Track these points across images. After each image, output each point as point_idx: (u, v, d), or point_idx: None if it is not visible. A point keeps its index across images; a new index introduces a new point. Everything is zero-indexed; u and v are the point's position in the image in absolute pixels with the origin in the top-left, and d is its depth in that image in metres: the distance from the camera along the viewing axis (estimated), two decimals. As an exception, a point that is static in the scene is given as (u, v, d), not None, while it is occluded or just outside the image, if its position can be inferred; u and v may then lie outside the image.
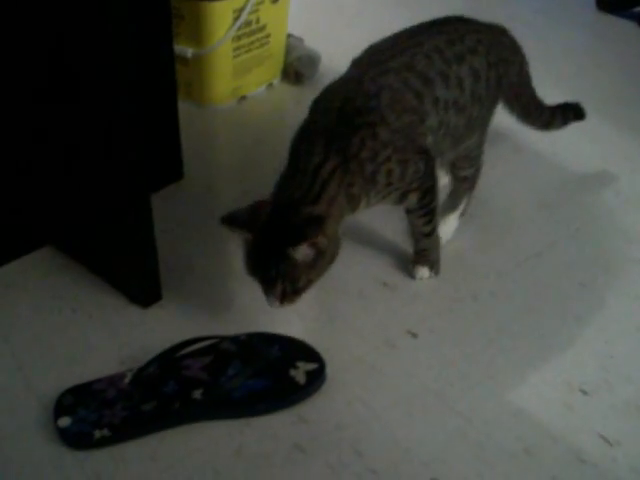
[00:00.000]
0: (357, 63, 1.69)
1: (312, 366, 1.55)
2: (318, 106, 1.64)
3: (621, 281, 1.87)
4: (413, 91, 1.60)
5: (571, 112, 2.13)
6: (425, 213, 1.70)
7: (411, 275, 1.81)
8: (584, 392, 1.56)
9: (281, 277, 1.49)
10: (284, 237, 1.46)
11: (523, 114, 1.99)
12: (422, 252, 1.80)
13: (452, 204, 1.96)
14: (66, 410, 1.45)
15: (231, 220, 1.51)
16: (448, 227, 1.95)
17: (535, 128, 2.08)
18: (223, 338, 1.56)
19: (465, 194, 1.95)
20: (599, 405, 1.54)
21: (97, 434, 1.41)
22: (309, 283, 1.53)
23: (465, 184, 1.93)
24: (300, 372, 1.53)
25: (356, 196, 1.56)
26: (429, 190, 1.67)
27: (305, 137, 1.59)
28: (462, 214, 1.96)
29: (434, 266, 1.81)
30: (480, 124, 1.81)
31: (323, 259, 1.51)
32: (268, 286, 1.52)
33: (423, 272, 1.81)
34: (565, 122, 2.12)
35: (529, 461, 1.42)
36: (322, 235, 1.47)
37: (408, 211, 1.72)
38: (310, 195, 1.50)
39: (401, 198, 1.65)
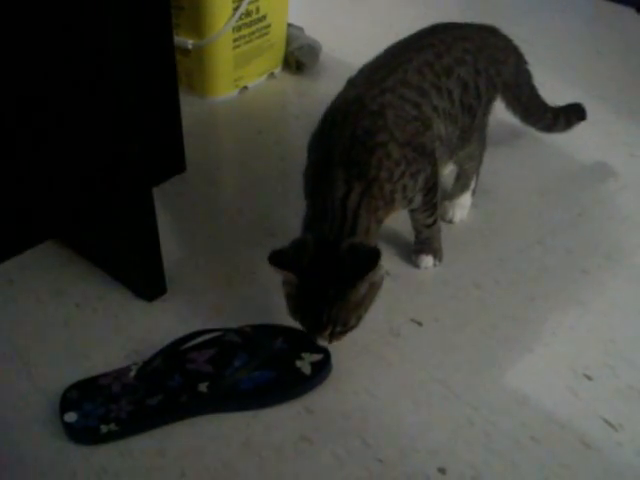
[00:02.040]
0: (353, 83, 1.66)
1: (317, 357, 1.55)
2: (323, 136, 1.59)
3: (623, 267, 1.86)
4: (411, 102, 1.59)
5: (574, 114, 2.12)
6: (427, 208, 1.70)
7: (416, 265, 1.81)
8: (588, 377, 1.56)
9: (332, 321, 1.44)
10: (336, 279, 1.41)
11: (525, 114, 1.99)
12: (425, 241, 1.80)
13: (463, 184, 1.97)
14: (72, 405, 1.44)
15: (281, 262, 1.43)
16: (462, 207, 1.97)
17: (538, 129, 2.09)
18: (227, 330, 1.55)
19: (473, 173, 1.95)
20: (603, 390, 1.54)
21: (104, 429, 1.40)
22: (359, 320, 1.48)
23: (472, 163, 1.93)
24: (306, 363, 1.53)
25: (380, 215, 1.54)
26: (432, 188, 1.66)
27: (321, 173, 1.53)
28: (473, 193, 1.98)
29: (437, 254, 1.81)
30: (477, 130, 1.81)
31: (374, 292, 1.48)
32: (317, 327, 1.46)
33: (427, 261, 1.80)
34: (569, 124, 2.12)
35: (535, 448, 1.42)
36: (376, 270, 1.43)
37: (412, 209, 1.71)
38: (344, 232, 1.46)
39: (409, 203, 1.64)
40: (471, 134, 1.78)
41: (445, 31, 1.75)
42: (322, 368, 1.53)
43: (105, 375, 1.49)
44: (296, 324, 1.50)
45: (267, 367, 1.51)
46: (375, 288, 1.48)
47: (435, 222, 1.76)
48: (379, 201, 1.51)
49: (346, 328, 1.47)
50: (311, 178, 1.57)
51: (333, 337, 1.48)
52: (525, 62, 1.90)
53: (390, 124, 1.54)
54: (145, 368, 1.48)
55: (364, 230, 1.48)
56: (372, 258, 1.41)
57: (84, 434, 1.41)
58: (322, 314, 1.43)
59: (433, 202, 1.70)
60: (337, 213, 1.47)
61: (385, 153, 1.51)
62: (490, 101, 1.82)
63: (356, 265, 1.40)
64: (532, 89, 1.97)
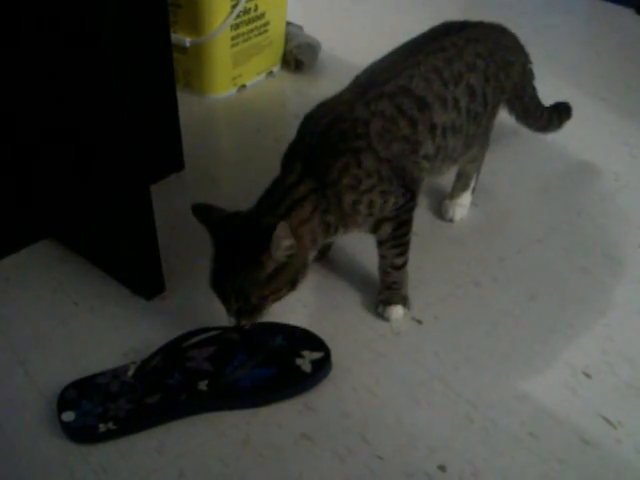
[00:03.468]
0: (356, 82, 1.63)
1: (318, 355, 1.55)
2: (306, 124, 1.58)
3: (622, 265, 1.87)
4: (407, 118, 1.55)
5: (564, 113, 2.13)
6: (398, 244, 1.64)
7: (384, 317, 1.70)
8: (587, 375, 1.57)
9: (234, 295, 1.43)
10: (243, 248, 1.41)
11: (523, 114, 1.98)
12: (392, 286, 1.70)
13: (463, 184, 1.97)
14: (70, 404, 1.44)
15: (202, 212, 1.46)
16: (462, 205, 1.98)
17: (534, 129, 2.09)
18: (227, 328, 1.55)
19: (474, 173, 1.96)
20: (601, 387, 1.55)
21: (102, 427, 1.40)
22: (262, 301, 1.44)
23: (473, 165, 1.93)
24: (306, 361, 1.53)
25: (332, 225, 1.50)
26: (405, 223, 1.62)
27: (289, 155, 1.54)
28: (473, 191, 1.99)
29: (406, 302, 1.71)
30: (481, 135, 1.79)
31: (282, 276, 1.43)
32: (225, 302, 1.46)
33: (397, 311, 1.69)
34: (561, 124, 2.13)
35: (534, 444, 1.43)
36: (286, 241, 1.39)
37: (380, 243, 1.65)
38: (280, 210, 1.44)
39: (375, 226, 1.59)
40: (475, 139, 1.76)
41: (459, 32, 1.71)
42: (322, 366, 1.54)
43: (103, 374, 1.50)
44: (296, 322, 1.51)
45: (267, 365, 1.51)
46: (286, 275, 1.43)
47: (404, 265, 1.68)
48: (333, 206, 1.48)
49: (248, 306, 1.44)
50: (285, 153, 1.56)
51: (241, 315, 1.46)
52: (530, 62, 1.90)
53: (373, 134, 1.50)
54: (144, 367, 1.49)
55: (300, 219, 1.45)
56: (266, 236, 1.37)
57: (82, 433, 1.41)
58: (225, 286, 1.43)
59: (404, 240, 1.64)
60: (278, 195, 1.46)
61: (355, 160, 1.48)
62: (497, 105, 1.81)
63: (254, 242, 1.39)
64: (533, 89, 1.97)
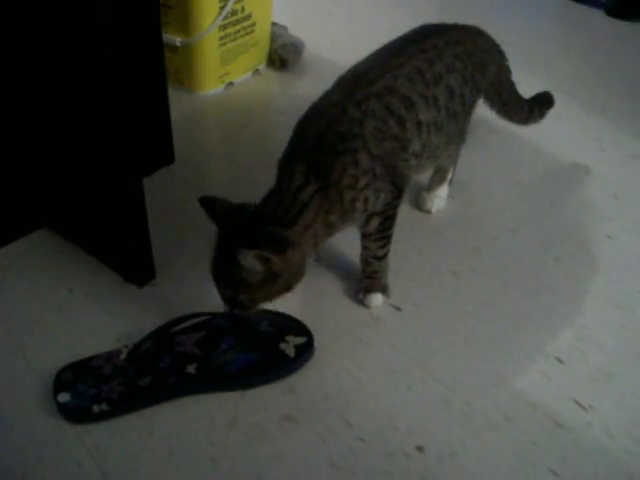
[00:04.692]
0: (341, 83, 1.59)
1: (301, 340, 1.55)
2: (301, 128, 1.55)
3: (593, 256, 1.87)
4: (396, 117, 1.54)
5: (545, 103, 2.12)
6: (382, 237, 1.64)
7: (365, 304, 1.69)
8: (559, 360, 1.57)
9: (226, 285, 1.43)
10: (239, 241, 1.37)
11: (504, 109, 1.98)
12: (373, 275, 1.70)
13: (440, 176, 1.97)
14: (65, 386, 1.44)
15: (209, 205, 1.45)
16: (439, 197, 1.98)
17: (515, 123, 2.07)
18: (215, 314, 1.55)
19: (450, 166, 1.96)
20: (574, 372, 1.55)
21: (96, 408, 1.40)
22: (253, 302, 1.44)
23: (449, 159, 1.93)
24: (290, 346, 1.53)
25: (333, 224, 1.50)
26: (390, 217, 1.61)
27: (288, 158, 1.51)
28: (450, 183, 1.99)
29: (385, 290, 1.71)
30: (459, 132, 1.78)
31: (273, 283, 1.41)
32: (220, 292, 1.45)
33: (377, 298, 1.69)
34: (542, 115, 2.11)
35: (509, 427, 1.43)
36: (281, 257, 1.38)
37: (364, 235, 1.64)
38: (288, 216, 1.43)
39: (366, 221, 1.58)
40: (454, 137, 1.75)
41: (437, 34, 1.69)
42: (305, 350, 1.54)
43: (97, 357, 1.49)
44: (281, 309, 1.50)
45: (252, 350, 1.51)
46: (281, 281, 1.42)
47: (386, 256, 1.68)
48: (335, 205, 1.47)
49: (235, 303, 1.43)
50: (283, 157, 1.53)
51: (233, 305, 1.45)
52: (506, 59, 1.89)
53: (367, 134, 1.49)
54: (135, 351, 1.48)
55: (305, 225, 1.44)
56: (272, 243, 1.37)
57: (77, 414, 1.41)
58: (220, 278, 1.43)
59: (388, 233, 1.64)
60: (288, 197, 1.44)
61: (353, 160, 1.47)
62: (473, 104, 1.80)
63: (255, 238, 1.37)
64: (511, 85, 1.96)
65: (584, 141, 2.34)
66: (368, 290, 1.70)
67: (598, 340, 1.62)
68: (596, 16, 3.31)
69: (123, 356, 1.49)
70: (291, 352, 1.53)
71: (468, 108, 1.76)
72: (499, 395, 1.49)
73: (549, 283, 1.77)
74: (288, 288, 1.45)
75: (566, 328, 1.66)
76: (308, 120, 1.55)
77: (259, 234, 1.38)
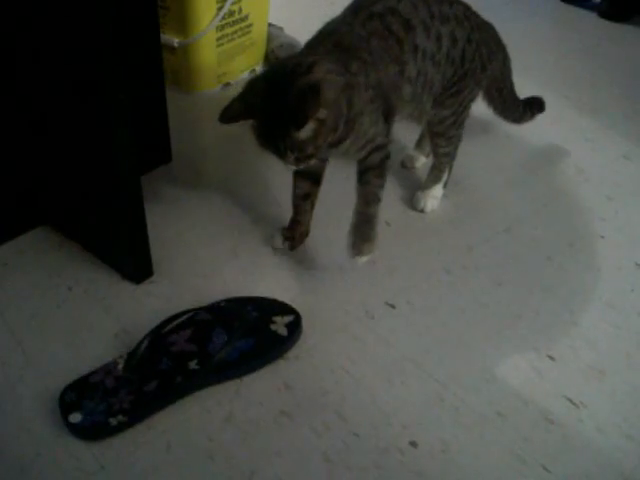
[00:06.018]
0: (349, 8, 1.65)
1: (289, 318, 1.58)
2: (317, 36, 1.62)
3: (585, 255, 1.87)
4: (395, 38, 1.57)
5: (536, 106, 2.15)
6: (382, 173, 1.65)
7: (354, 258, 1.67)
8: (551, 358, 1.57)
9: (289, 149, 1.44)
10: (286, 117, 1.39)
11: (502, 107, 2.01)
12: (368, 221, 1.66)
13: (435, 177, 1.97)
14: (72, 407, 1.40)
15: (229, 116, 1.46)
16: (434, 197, 1.98)
17: (509, 121, 2.11)
18: (198, 310, 1.56)
19: (446, 167, 1.96)
20: (565, 370, 1.55)
21: (113, 421, 1.37)
22: (318, 148, 1.47)
23: (445, 158, 1.93)
24: (280, 325, 1.56)
25: (341, 110, 1.49)
26: (388, 156, 1.64)
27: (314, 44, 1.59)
28: (445, 185, 1.99)
29: (373, 243, 1.67)
30: (456, 93, 1.78)
31: (326, 125, 1.44)
32: (281, 156, 1.47)
33: (369, 247, 1.66)
34: (533, 116, 2.15)
35: (502, 423, 1.43)
36: (322, 107, 1.39)
37: (366, 169, 1.64)
38: (304, 64, 1.44)
39: (369, 153, 1.61)
40: (448, 99, 1.76)
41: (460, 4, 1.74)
42: (296, 327, 1.57)
43: (95, 373, 1.46)
44: (263, 293, 1.52)
45: (247, 335, 1.52)
46: (329, 121, 1.44)
47: (381, 200, 1.67)
48: (346, 90, 1.48)
49: (305, 154, 1.46)
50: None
51: (299, 162, 1.48)
52: (509, 60, 1.92)
53: (374, 51, 1.54)
54: (131, 360, 1.46)
55: (325, 70, 1.44)
56: (309, 103, 1.38)
57: (94, 430, 1.37)
58: (279, 144, 1.44)
59: (386, 168, 1.65)
60: (303, 62, 1.45)
61: (365, 69, 1.51)
62: (475, 87, 1.81)
63: (299, 110, 1.39)
64: (511, 84, 2.00)
65: (577, 142, 2.35)
66: (362, 240, 1.66)
67: (590, 338, 1.63)
68: (589, 18, 3.33)
69: (121, 367, 1.47)
70: (283, 331, 1.55)
71: (466, 75, 1.76)
72: (492, 392, 1.50)
73: (541, 282, 1.78)
74: (337, 123, 1.47)
75: (558, 326, 1.66)
76: (322, 33, 1.62)
77: (297, 105, 1.39)
